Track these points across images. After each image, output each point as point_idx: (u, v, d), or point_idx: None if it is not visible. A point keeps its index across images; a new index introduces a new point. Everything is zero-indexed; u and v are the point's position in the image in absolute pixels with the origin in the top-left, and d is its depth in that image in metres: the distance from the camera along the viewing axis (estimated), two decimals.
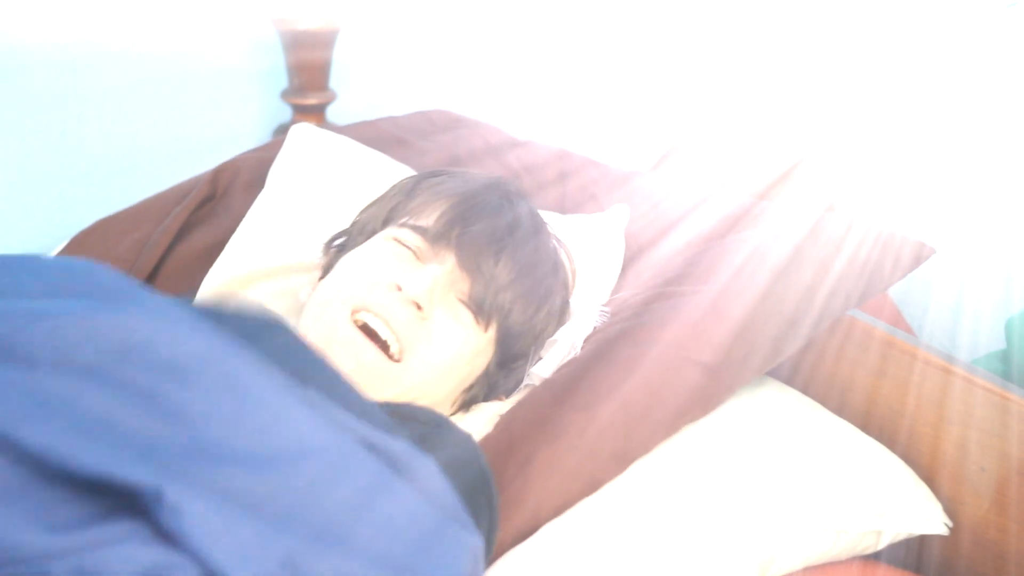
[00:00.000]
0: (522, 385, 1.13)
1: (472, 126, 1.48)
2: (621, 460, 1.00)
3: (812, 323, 1.09)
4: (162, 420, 0.68)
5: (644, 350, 1.05)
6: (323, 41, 1.83)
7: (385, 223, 1.12)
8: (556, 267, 1.13)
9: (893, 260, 1.13)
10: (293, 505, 0.68)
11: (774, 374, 1.21)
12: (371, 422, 0.78)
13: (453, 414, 1.09)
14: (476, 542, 0.76)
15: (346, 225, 1.18)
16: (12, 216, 1.76)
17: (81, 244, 1.34)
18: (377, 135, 1.45)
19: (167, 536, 0.62)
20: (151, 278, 1.30)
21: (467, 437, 0.90)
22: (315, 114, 1.88)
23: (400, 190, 1.15)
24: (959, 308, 1.44)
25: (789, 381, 1.21)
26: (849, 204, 1.41)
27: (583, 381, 1.04)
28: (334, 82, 1.89)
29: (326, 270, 1.12)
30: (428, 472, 0.77)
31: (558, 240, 1.16)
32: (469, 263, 1.05)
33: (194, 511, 0.63)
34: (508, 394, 1.13)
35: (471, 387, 1.08)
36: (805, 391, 1.20)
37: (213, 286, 1.24)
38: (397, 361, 1.01)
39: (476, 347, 1.06)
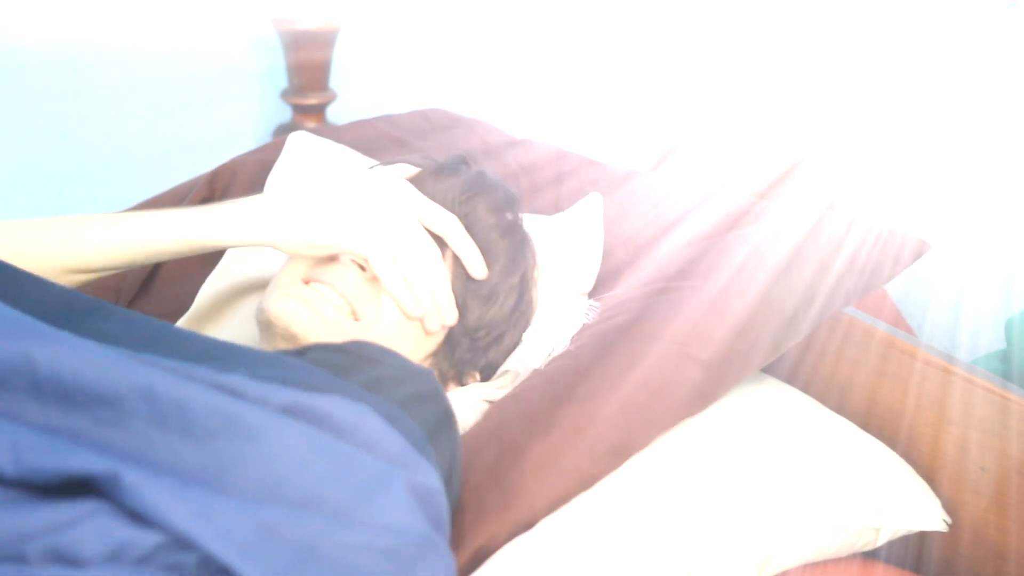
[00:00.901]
0: (503, 371, 1.13)
1: (470, 125, 1.48)
2: (618, 456, 1.00)
3: (812, 320, 1.09)
4: (96, 425, 0.70)
5: (643, 346, 1.05)
6: (323, 41, 1.83)
7: None
8: (519, 242, 1.14)
9: (893, 258, 1.13)
10: (235, 479, 0.69)
11: (773, 373, 1.21)
12: (302, 385, 0.78)
13: None
14: (422, 480, 0.76)
15: None
16: (12, 216, 1.76)
17: None
18: (375, 135, 1.45)
19: (132, 514, 0.64)
20: (148, 281, 1.30)
21: (425, 372, 0.90)
22: (315, 114, 1.88)
23: None
24: (959, 308, 1.44)
25: (789, 381, 1.21)
26: (849, 203, 1.41)
27: (581, 377, 1.04)
28: (334, 82, 1.90)
29: None
30: (357, 420, 0.77)
31: (519, 219, 1.16)
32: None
33: (154, 487, 0.64)
34: (485, 375, 1.13)
35: (435, 355, 1.09)
36: (805, 391, 1.20)
37: (210, 293, 1.24)
38: (356, 320, 1.02)
39: None
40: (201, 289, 1.25)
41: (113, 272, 1.05)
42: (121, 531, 0.64)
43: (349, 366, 0.86)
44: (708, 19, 1.86)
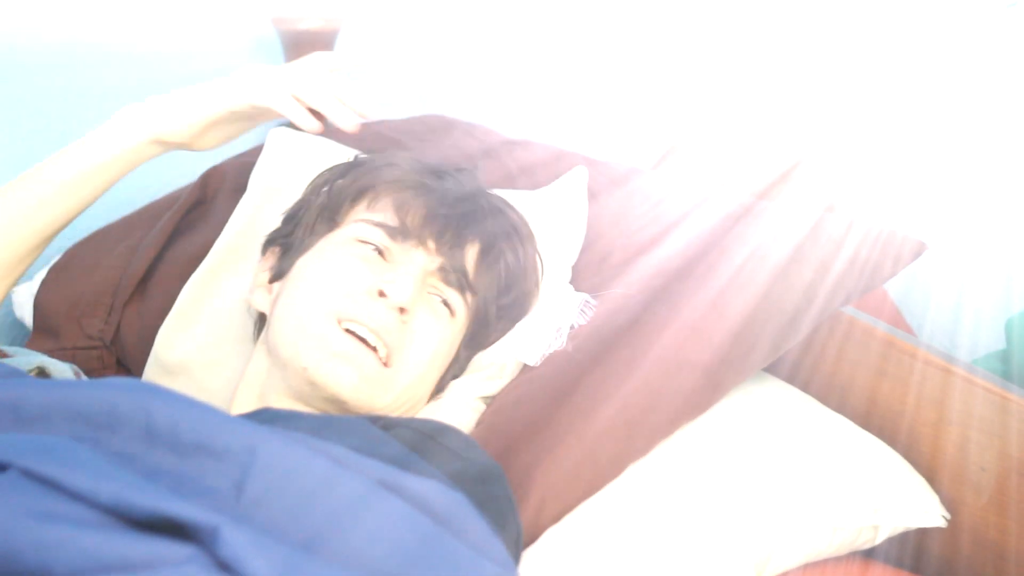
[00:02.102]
0: (490, 362, 1.13)
1: (467, 128, 1.48)
2: (620, 464, 1.00)
3: (811, 320, 1.09)
4: (199, 474, 0.72)
5: (644, 352, 1.05)
6: (323, 41, 1.83)
7: (332, 219, 1.10)
8: (525, 244, 1.14)
9: (893, 258, 1.14)
10: (314, 537, 0.70)
11: (774, 373, 1.21)
12: (398, 464, 0.79)
13: (428, 401, 1.10)
14: (496, 571, 0.76)
15: (279, 224, 1.17)
16: None
17: (74, 256, 1.35)
18: (372, 137, 1.45)
19: (226, 567, 0.64)
20: (143, 283, 1.30)
21: (500, 474, 0.90)
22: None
23: (332, 180, 1.14)
24: (959, 308, 1.44)
25: (789, 381, 1.21)
26: (849, 204, 1.41)
27: (583, 384, 1.04)
28: None
29: (277, 274, 1.11)
30: (454, 508, 0.77)
31: (519, 215, 1.16)
32: (445, 256, 1.05)
33: (252, 547, 0.64)
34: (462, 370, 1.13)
35: (445, 373, 1.10)
36: (805, 391, 1.20)
37: (188, 292, 1.25)
38: (387, 366, 1.01)
39: (452, 338, 1.07)
40: (184, 288, 1.25)
41: (55, 227, 1.05)
42: None
43: (431, 451, 0.87)
44: (708, 19, 1.85)
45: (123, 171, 1.08)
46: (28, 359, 1.10)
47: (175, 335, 1.23)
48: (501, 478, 0.90)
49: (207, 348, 1.21)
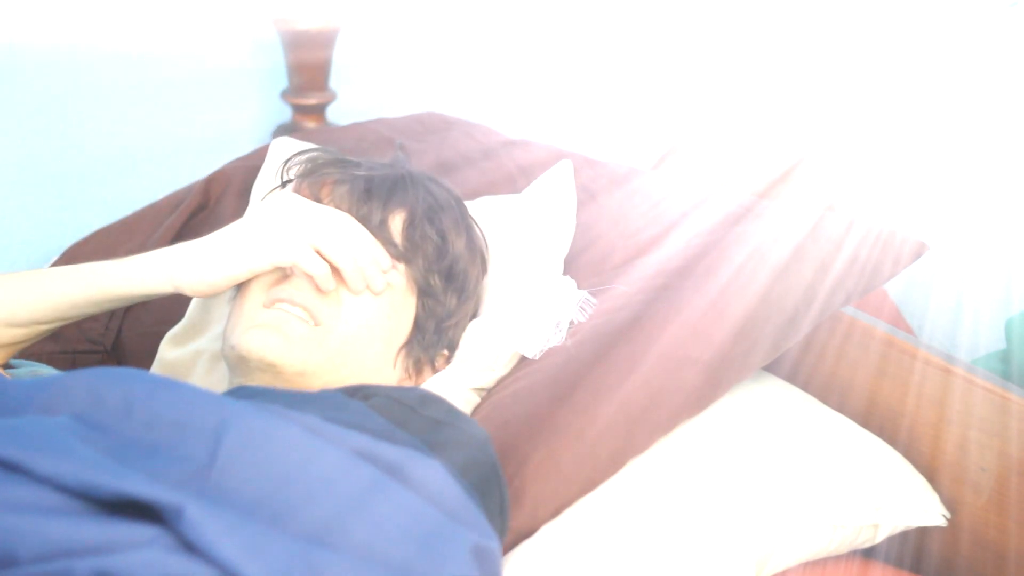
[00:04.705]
0: (501, 357, 1.13)
1: (465, 128, 1.48)
2: (619, 460, 1.00)
3: (812, 320, 1.09)
4: (165, 453, 0.72)
5: (644, 349, 1.05)
6: (323, 41, 1.83)
7: None
8: (445, 208, 1.14)
9: (893, 258, 1.14)
10: (302, 518, 0.70)
11: (773, 372, 1.21)
12: (373, 433, 0.80)
13: (405, 380, 1.11)
14: (484, 543, 0.76)
15: None
16: (12, 216, 1.76)
17: (75, 255, 1.34)
18: (371, 136, 1.45)
19: (190, 546, 0.65)
20: None
21: (484, 439, 0.90)
22: (315, 114, 1.88)
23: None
24: (959, 308, 1.44)
25: (789, 380, 1.21)
26: (849, 203, 1.41)
27: (583, 380, 1.04)
28: (334, 82, 1.90)
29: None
30: (428, 473, 0.77)
31: (442, 184, 1.17)
32: (365, 226, 1.06)
33: (213, 521, 0.65)
34: (451, 351, 1.13)
35: (408, 345, 1.09)
36: (805, 390, 1.20)
37: (197, 302, 1.25)
38: (317, 325, 1.03)
39: (391, 307, 1.07)
40: (192, 301, 1.26)
41: (47, 327, 1.06)
42: (174, 566, 0.64)
43: (412, 422, 0.87)
44: (708, 19, 1.86)
45: (132, 303, 1.09)
46: (31, 368, 1.10)
47: (180, 344, 1.23)
48: (485, 445, 0.89)
49: (211, 356, 1.22)
